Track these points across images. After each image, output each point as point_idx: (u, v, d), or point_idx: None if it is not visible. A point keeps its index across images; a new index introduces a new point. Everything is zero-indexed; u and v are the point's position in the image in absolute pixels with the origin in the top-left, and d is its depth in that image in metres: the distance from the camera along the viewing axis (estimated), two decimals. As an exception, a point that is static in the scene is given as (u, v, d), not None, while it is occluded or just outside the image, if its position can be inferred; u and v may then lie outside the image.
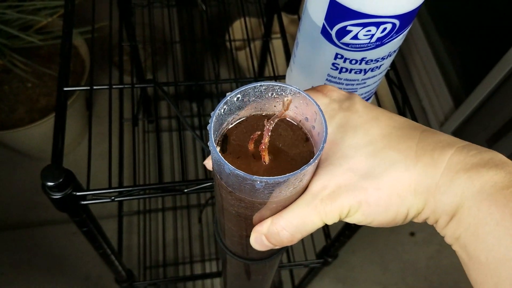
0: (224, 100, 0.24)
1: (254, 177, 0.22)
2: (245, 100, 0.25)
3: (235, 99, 0.25)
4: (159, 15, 1.20)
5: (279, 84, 0.25)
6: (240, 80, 0.58)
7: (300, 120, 0.27)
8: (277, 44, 1.19)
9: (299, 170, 0.22)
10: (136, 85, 0.54)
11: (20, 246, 1.18)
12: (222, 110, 0.25)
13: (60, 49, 0.52)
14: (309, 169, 0.23)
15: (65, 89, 0.49)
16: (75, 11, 0.56)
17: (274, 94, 0.26)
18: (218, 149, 0.23)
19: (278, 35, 1.09)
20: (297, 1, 1.26)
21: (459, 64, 1.38)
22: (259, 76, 1.21)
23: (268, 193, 0.25)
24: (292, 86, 0.25)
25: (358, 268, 1.23)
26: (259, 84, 0.25)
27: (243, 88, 0.24)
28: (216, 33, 1.34)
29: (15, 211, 1.23)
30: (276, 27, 1.19)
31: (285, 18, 1.29)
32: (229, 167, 0.22)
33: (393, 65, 0.54)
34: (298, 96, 0.25)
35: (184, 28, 1.13)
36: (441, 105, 1.44)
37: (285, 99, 0.25)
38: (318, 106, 0.24)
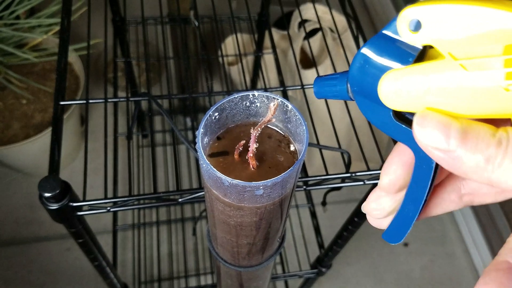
0: (204, 119, 0.26)
1: (253, 183, 0.23)
2: (223, 114, 0.27)
3: (213, 117, 0.26)
4: (153, 32, 1.22)
5: (252, 93, 0.27)
6: (232, 92, 0.59)
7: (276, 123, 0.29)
8: (269, 58, 1.21)
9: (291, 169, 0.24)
10: (131, 98, 0.55)
11: (13, 263, 1.17)
12: (204, 129, 0.26)
13: (56, 64, 0.53)
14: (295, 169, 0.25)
15: (62, 103, 0.50)
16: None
17: (248, 103, 0.27)
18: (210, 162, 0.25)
19: (270, 50, 1.11)
20: (288, 17, 1.29)
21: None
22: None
23: (265, 197, 0.26)
24: (267, 93, 0.26)
25: (353, 279, 1.24)
26: (233, 97, 0.26)
27: (219, 104, 0.26)
28: (209, 49, 1.36)
29: (9, 227, 1.22)
30: (268, 42, 1.22)
31: (276, 34, 1.32)
32: (226, 179, 0.23)
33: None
34: (274, 101, 0.27)
35: (178, 44, 1.15)
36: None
37: (271, 104, 0.26)
38: (296, 109, 0.26)
